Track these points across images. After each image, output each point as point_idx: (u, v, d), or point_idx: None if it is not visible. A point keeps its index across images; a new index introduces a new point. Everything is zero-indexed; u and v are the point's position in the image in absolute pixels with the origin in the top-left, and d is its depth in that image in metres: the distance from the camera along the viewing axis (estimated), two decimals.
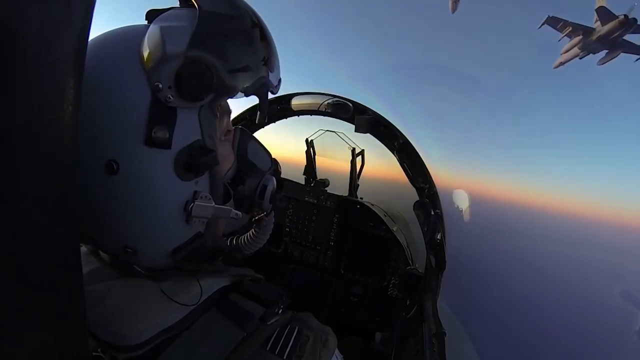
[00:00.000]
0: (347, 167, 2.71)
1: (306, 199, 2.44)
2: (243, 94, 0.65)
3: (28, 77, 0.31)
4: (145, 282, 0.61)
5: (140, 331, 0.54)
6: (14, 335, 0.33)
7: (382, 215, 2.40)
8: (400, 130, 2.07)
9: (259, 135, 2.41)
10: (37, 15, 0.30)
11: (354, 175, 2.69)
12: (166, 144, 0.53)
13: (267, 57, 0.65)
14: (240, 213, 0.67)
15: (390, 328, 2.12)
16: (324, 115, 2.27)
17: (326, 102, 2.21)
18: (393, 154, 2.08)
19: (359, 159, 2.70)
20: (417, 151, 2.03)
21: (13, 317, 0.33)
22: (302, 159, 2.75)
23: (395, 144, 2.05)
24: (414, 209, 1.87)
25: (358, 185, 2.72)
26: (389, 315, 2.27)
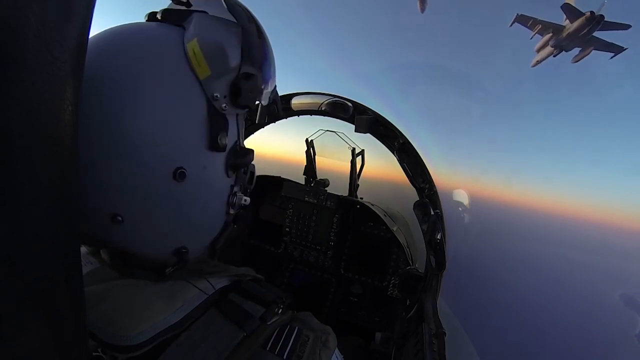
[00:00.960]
0: (347, 167, 2.71)
1: (306, 199, 2.44)
2: (267, 102, 0.72)
3: (28, 77, 0.31)
4: (145, 283, 0.61)
5: (140, 331, 0.54)
6: (13, 336, 0.33)
7: (382, 215, 2.41)
8: (400, 130, 2.07)
9: (259, 135, 2.41)
10: (37, 14, 0.30)
11: (354, 175, 2.69)
12: (225, 148, 0.59)
13: (274, 67, 0.72)
14: (248, 199, 0.71)
15: (390, 328, 2.12)
16: (324, 115, 2.27)
17: (326, 102, 2.21)
18: (393, 154, 2.08)
19: (359, 159, 2.71)
20: (417, 151, 2.03)
21: (12, 318, 0.33)
22: (302, 159, 2.75)
23: (395, 144, 2.05)
24: (414, 209, 1.87)
25: (358, 185, 2.72)
26: (389, 315, 2.27)
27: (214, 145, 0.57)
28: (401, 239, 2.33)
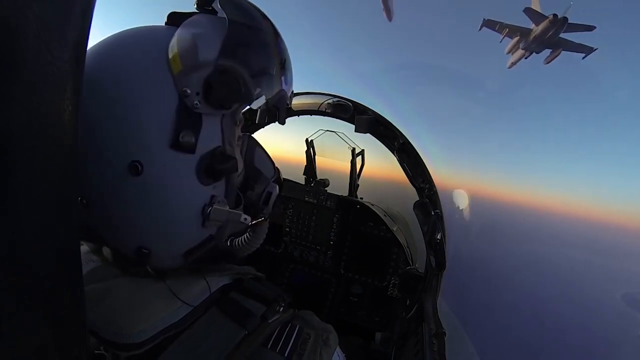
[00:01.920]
0: (347, 167, 2.71)
1: (306, 199, 2.44)
2: (264, 105, 0.66)
3: (28, 77, 0.30)
4: (146, 281, 0.62)
5: (142, 330, 0.54)
6: (13, 336, 0.33)
7: (382, 215, 2.40)
8: (400, 130, 2.07)
9: (259, 135, 2.41)
10: (37, 14, 0.30)
11: (354, 175, 2.69)
12: (191, 149, 0.55)
13: (284, 70, 0.67)
14: (249, 218, 0.67)
15: (390, 328, 2.12)
16: (324, 115, 2.26)
17: (326, 102, 2.21)
18: (393, 154, 2.08)
19: (359, 159, 2.70)
20: (417, 151, 2.03)
21: (12, 318, 0.33)
22: (302, 159, 2.75)
23: (395, 143, 2.05)
24: (414, 209, 1.87)
25: (358, 185, 2.72)
26: (389, 315, 2.27)
27: (175, 143, 0.53)
28: (401, 239, 2.33)
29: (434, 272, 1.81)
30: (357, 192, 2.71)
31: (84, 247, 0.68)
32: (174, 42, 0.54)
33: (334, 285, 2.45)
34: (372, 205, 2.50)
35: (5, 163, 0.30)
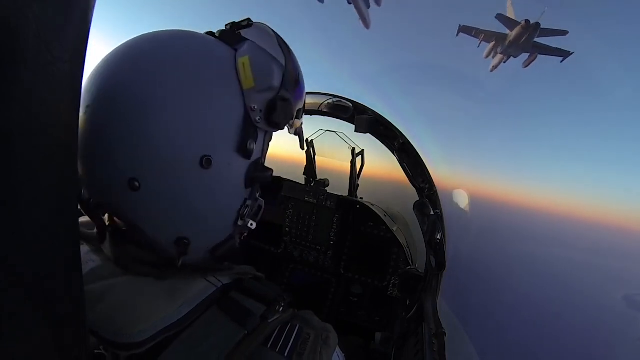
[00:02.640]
0: (347, 167, 2.71)
1: (306, 199, 2.44)
2: (292, 132, 0.80)
3: (28, 77, 0.31)
4: (147, 281, 0.62)
5: (142, 329, 0.54)
6: (13, 336, 0.33)
7: (382, 215, 2.40)
8: (400, 130, 2.07)
9: None
10: (37, 15, 0.30)
11: (354, 175, 2.69)
12: (250, 156, 0.64)
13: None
14: (255, 223, 0.74)
15: (390, 328, 2.12)
16: (324, 115, 2.26)
17: (326, 102, 2.21)
18: (393, 154, 2.08)
19: (359, 159, 2.70)
20: (417, 151, 2.03)
21: (12, 317, 0.33)
22: (302, 159, 2.75)
23: (395, 143, 2.05)
24: (414, 209, 1.87)
25: (358, 185, 2.72)
26: (389, 315, 2.27)
27: (242, 148, 0.62)
28: (401, 239, 2.33)
29: (434, 272, 1.81)
30: (357, 192, 2.71)
31: (84, 247, 0.68)
32: (245, 60, 0.62)
33: (334, 285, 2.45)
34: (372, 205, 2.50)
35: (6, 163, 0.30)
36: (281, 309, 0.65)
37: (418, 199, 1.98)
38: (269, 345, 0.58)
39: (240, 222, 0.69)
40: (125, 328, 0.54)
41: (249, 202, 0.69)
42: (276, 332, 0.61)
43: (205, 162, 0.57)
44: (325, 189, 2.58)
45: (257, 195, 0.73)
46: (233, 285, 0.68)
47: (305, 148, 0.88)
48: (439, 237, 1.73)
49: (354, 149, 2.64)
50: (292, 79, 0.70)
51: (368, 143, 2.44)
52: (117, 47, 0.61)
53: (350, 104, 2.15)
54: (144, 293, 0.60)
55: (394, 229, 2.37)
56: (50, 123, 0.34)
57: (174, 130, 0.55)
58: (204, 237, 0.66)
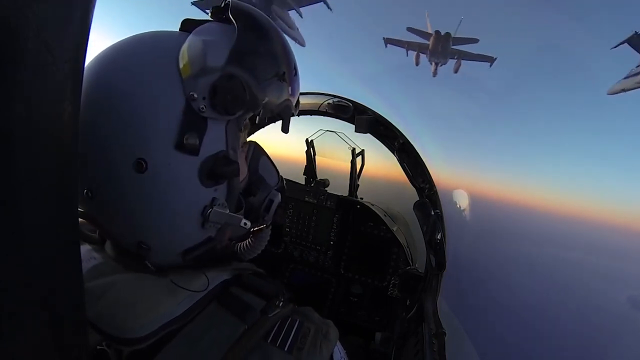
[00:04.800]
0: (347, 167, 2.71)
1: (306, 199, 2.44)
2: (269, 113, 0.68)
3: (28, 77, 0.31)
4: (148, 277, 0.62)
5: (143, 324, 0.55)
6: (13, 336, 0.33)
7: (382, 215, 2.40)
8: (400, 130, 2.07)
9: (259, 134, 2.41)
10: (37, 15, 0.30)
11: (354, 175, 2.69)
12: (195, 151, 0.57)
13: (291, 81, 0.69)
14: (249, 222, 0.69)
15: (390, 328, 2.12)
16: (324, 115, 2.26)
17: (326, 102, 2.21)
18: (393, 154, 2.08)
19: (359, 159, 2.70)
20: (417, 151, 2.03)
21: (12, 317, 0.33)
22: (302, 159, 2.75)
23: (395, 143, 2.05)
24: (414, 209, 1.87)
25: (358, 185, 2.72)
26: (389, 315, 2.27)
27: (180, 145, 0.55)
28: (401, 239, 2.33)
29: (434, 272, 1.81)
30: (357, 192, 2.71)
31: (86, 246, 0.69)
32: (184, 47, 0.57)
33: (334, 285, 2.45)
34: (372, 205, 2.50)
35: (6, 163, 0.30)
36: (281, 303, 0.64)
37: (418, 199, 1.98)
38: (269, 340, 0.58)
39: (207, 225, 0.62)
40: (127, 323, 0.54)
41: (220, 202, 0.62)
42: (276, 326, 0.60)
43: (137, 165, 0.54)
44: (325, 189, 2.57)
45: (239, 191, 0.68)
46: (233, 280, 0.68)
47: (288, 131, 0.79)
48: (439, 237, 1.73)
49: (354, 149, 2.64)
50: (249, 53, 0.61)
51: (368, 143, 2.44)
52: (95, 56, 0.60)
53: (350, 104, 2.15)
54: (145, 289, 0.60)
55: (394, 229, 2.37)
56: (51, 123, 0.34)
57: (110, 137, 0.54)
58: (165, 242, 0.62)
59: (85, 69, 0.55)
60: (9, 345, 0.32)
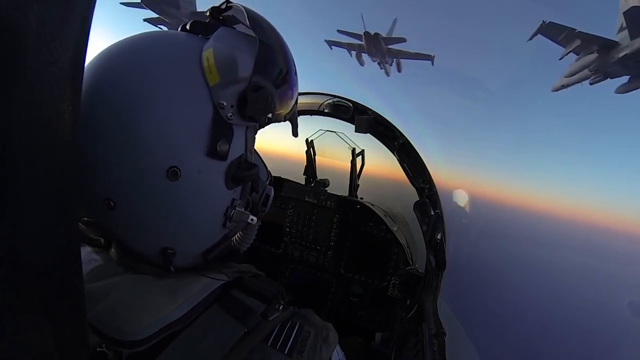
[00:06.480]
0: (347, 167, 2.71)
1: (306, 199, 2.44)
2: (282, 119, 0.72)
3: (28, 77, 0.31)
4: (149, 279, 0.62)
5: (144, 327, 0.55)
6: (13, 335, 0.33)
7: (382, 215, 2.40)
8: (400, 130, 2.07)
9: (259, 134, 2.41)
10: (37, 14, 0.30)
11: (354, 175, 2.69)
12: (224, 157, 0.59)
13: (293, 84, 0.72)
14: (255, 218, 0.71)
15: (391, 328, 2.12)
16: (324, 115, 2.26)
17: (326, 102, 2.21)
18: (393, 154, 2.08)
19: (359, 159, 2.70)
20: (417, 151, 2.03)
21: (13, 317, 0.33)
22: (302, 159, 2.75)
23: (395, 143, 2.05)
24: (414, 209, 1.87)
25: (358, 185, 2.72)
26: (389, 315, 2.27)
27: (212, 152, 0.57)
28: (401, 239, 2.33)
29: (434, 272, 1.81)
30: (357, 192, 2.71)
31: (87, 248, 0.69)
32: (208, 54, 0.58)
33: (334, 286, 2.45)
34: (372, 205, 2.50)
35: (6, 163, 0.30)
36: (281, 307, 0.65)
37: (418, 199, 1.98)
38: (269, 343, 0.58)
39: (229, 224, 0.66)
40: (128, 326, 0.54)
41: (238, 202, 0.66)
42: (276, 329, 0.61)
43: (172, 174, 0.54)
44: (325, 189, 2.58)
45: (250, 187, 0.70)
46: (233, 283, 0.68)
47: (298, 135, 0.82)
48: (439, 237, 1.73)
49: (354, 149, 2.64)
50: (270, 62, 0.64)
51: (368, 143, 2.44)
52: (97, 55, 0.59)
53: (350, 104, 2.15)
54: (146, 291, 0.60)
55: (394, 229, 2.37)
56: (50, 123, 0.34)
57: (139, 147, 0.53)
58: (190, 245, 0.64)
59: (89, 69, 0.56)
60: (9, 345, 0.32)
